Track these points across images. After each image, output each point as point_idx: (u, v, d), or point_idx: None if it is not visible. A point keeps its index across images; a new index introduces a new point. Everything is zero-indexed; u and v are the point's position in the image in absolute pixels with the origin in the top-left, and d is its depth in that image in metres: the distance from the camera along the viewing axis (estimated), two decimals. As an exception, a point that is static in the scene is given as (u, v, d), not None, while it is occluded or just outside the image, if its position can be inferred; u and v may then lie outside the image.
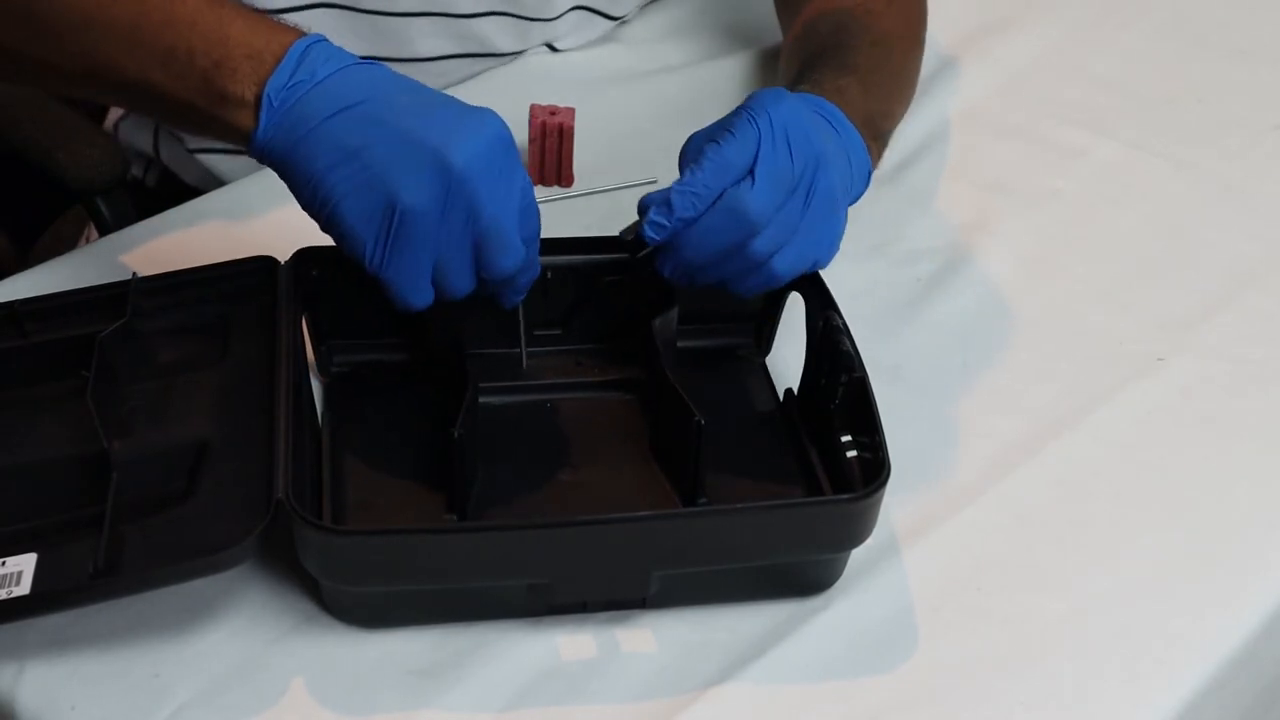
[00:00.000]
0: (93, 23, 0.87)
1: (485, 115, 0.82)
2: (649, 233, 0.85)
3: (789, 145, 0.84)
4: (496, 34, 1.23)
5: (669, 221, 0.85)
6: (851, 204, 0.91)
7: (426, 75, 1.20)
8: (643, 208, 0.86)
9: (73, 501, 0.82)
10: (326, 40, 0.85)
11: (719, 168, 0.84)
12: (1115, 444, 0.95)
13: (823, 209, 0.86)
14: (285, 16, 0.89)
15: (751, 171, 0.84)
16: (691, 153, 0.86)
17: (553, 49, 1.27)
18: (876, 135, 0.98)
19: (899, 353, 1.00)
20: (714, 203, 0.84)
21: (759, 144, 0.84)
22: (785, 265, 0.86)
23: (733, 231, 0.84)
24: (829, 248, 0.88)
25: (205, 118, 0.85)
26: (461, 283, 0.83)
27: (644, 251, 0.86)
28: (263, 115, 0.83)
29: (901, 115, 1.09)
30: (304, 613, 0.82)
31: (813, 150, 0.85)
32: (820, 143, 0.86)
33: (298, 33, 0.84)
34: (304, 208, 0.83)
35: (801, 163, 0.85)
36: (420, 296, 0.83)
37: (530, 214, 0.84)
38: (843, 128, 0.91)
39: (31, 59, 0.91)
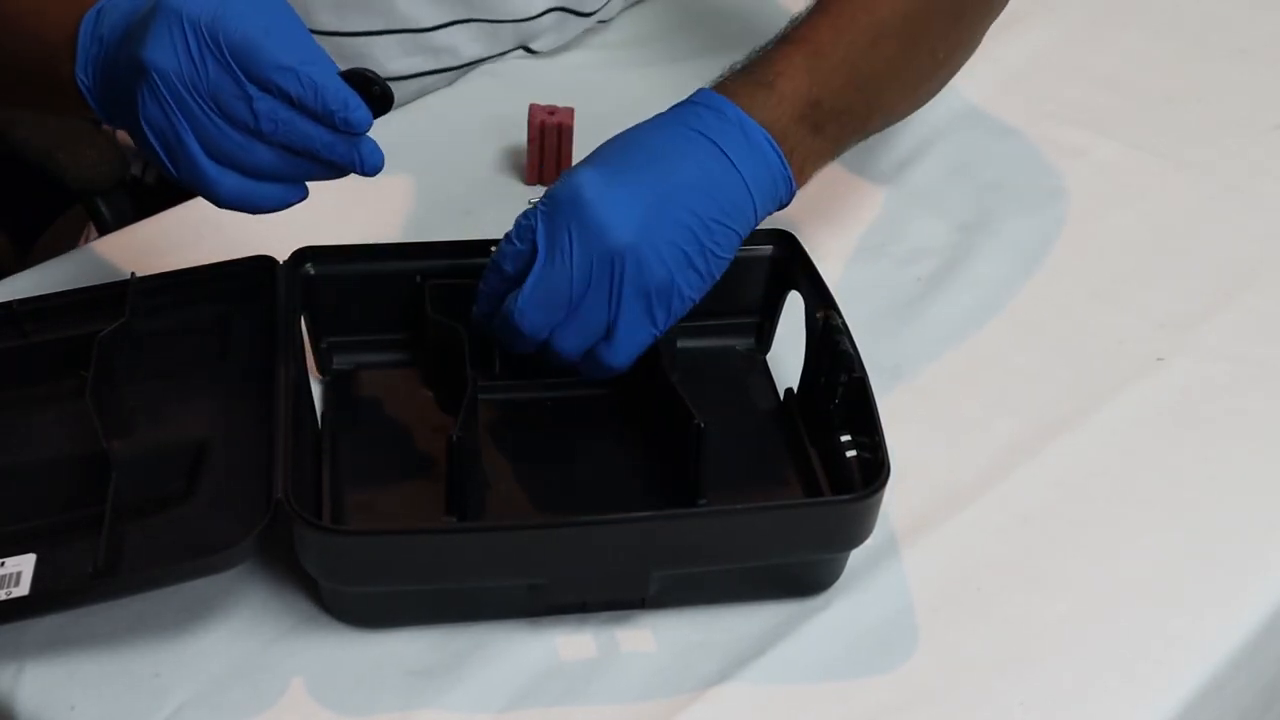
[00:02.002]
0: None
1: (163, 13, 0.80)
2: (473, 315, 0.88)
3: (571, 251, 0.82)
4: (464, 43, 1.22)
5: (476, 314, 0.87)
6: (761, 219, 0.89)
7: (403, 94, 1.20)
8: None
9: (72, 502, 0.82)
10: None
11: (497, 275, 0.85)
12: (1115, 444, 0.95)
13: (637, 302, 0.84)
14: None
15: (521, 283, 0.84)
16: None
17: (529, 50, 1.26)
18: (818, 126, 0.92)
19: (899, 352, 1.00)
20: (497, 305, 0.86)
21: (533, 251, 0.84)
22: (615, 358, 0.85)
23: (518, 336, 0.85)
24: (665, 323, 0.85)
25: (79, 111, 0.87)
26: (230, 144, 0.80)
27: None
28: (88, 98, 0.85)
29: (889, 99, 1.00)
30: (303, 613, 0.82)
31: (607, 248, 0.82)
32: (625, 235, 0.82)
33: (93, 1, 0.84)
34: None
35: (585, 271, 0.83)
36: (215, 183, 0.81)
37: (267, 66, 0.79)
38: (738, 146, 0.87)
39: None
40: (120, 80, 0.82)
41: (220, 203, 0.82)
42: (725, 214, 0.86)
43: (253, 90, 0.79)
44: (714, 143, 0.87)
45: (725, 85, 0.91)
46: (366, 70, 0.82)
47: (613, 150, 0.87)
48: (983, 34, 1.08)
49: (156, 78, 0.79)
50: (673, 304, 0.85)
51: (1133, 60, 1.32)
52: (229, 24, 0.79)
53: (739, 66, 0.94)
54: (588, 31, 1.30)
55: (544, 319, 0.84)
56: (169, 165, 0.81)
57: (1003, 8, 1.09)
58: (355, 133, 0.80)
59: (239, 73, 0.79)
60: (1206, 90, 1.29)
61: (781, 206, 0.91)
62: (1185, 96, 1.28)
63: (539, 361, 0.88)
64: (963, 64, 1.07)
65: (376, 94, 0.81)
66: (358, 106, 0.80)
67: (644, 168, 0.85)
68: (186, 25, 0.79)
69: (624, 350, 0.85)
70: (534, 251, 0.84)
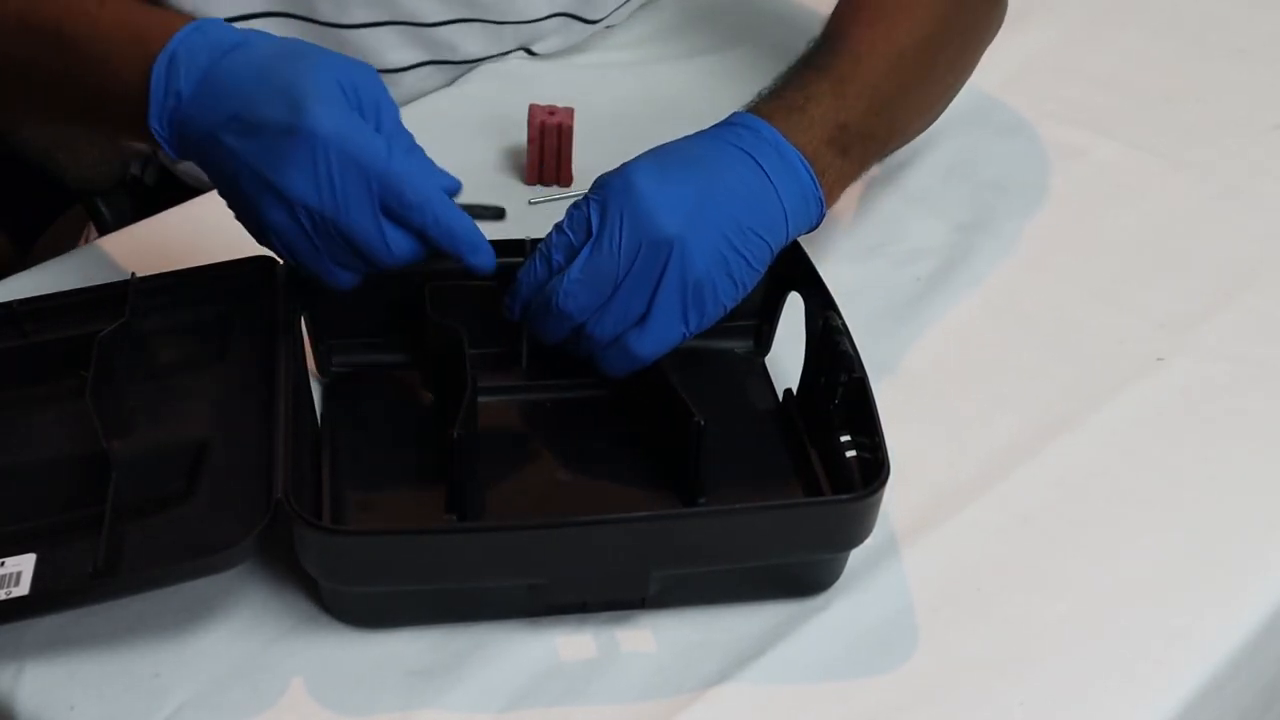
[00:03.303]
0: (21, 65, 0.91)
1: (298, 134, 0.80)
2: (504, 313, 0.88)
3: (620, 235, 0.84)
4: (466, 41, 1.22)
5: (514, 304, 0.88)
6: (792, 238, 0.90)
7: (401, 87, 1.20)
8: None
9: (72, 501, 0.82)
10: (194, 32, 0.84)
11: (544, 263, 0.86)
12: (1115, 444, 0.95)
13: (675, 293, 0.85)
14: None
15: (567, 267, 0.85)
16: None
17: (530, 53, 1.26)
18: (845, 149, 0.94)
19: (899, 353, 1.00)
20: (538, 293, 0.87)
21: (586, 229, 0.85)
22: (643, 347, 0.86)
23: (559, 318, 0.86)
24: (697, 324, 0.87)
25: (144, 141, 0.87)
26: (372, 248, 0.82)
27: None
28: (163, 144, 0.85)
29: (905, 121, 1.04)
30: (303, 613, 0.82)
31: (656, 235, 0.84)
32: (673, 225, 0.84)
33: (163, 40, 0.84)
34: None
35: (630, 255, 0.84)
36: (335, 278, 0.85)
37: (394, 183, 0.81)
38: (774, 164, 0.89)
39: None
40: (218, 157, 0.83)
41: (337, 289, 0.86)
42: (762, 225, 0.87)
43: (386, 226, 0.81)
44: (752, 158, 0.89)
45: (759, 108, 0.93)
46: (482, 205, 0.86)
47: (660, 153, 0.88)
48: (979, 59, 1.12)
49: (295, 203, 0.81)
50: (706, 305, 0.86)
51: (1132, 60, 1.32)
52: (372, 160, 0.80)
53: (767, 92, 0.96)
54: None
55: (588, 300, 0.85)
56: (289, 259, 0.84)
57: (995, 35, 1.13)
58: (478, 270, 0.84)
59: (378, 210, 0.81)
60: (1206, 90, 1.29)
61: (812, 228, 0.92)
62: (1185, 96, 1.28)
63: (565, 354, 0.88)
64: (962, 87, 1.11)
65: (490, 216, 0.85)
66: (486, 252, 0.83)
67: (691, 170, 0.87)
68: (334, 159, 0.80)
69: (653, 341, 0.86)
70: (585, 241, 0.85)
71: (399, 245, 0.82)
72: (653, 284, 0.84)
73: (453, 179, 0.84)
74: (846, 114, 0.94)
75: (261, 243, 0.85)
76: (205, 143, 0.83)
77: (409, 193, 0.81)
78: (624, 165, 0.86)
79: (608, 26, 1.30)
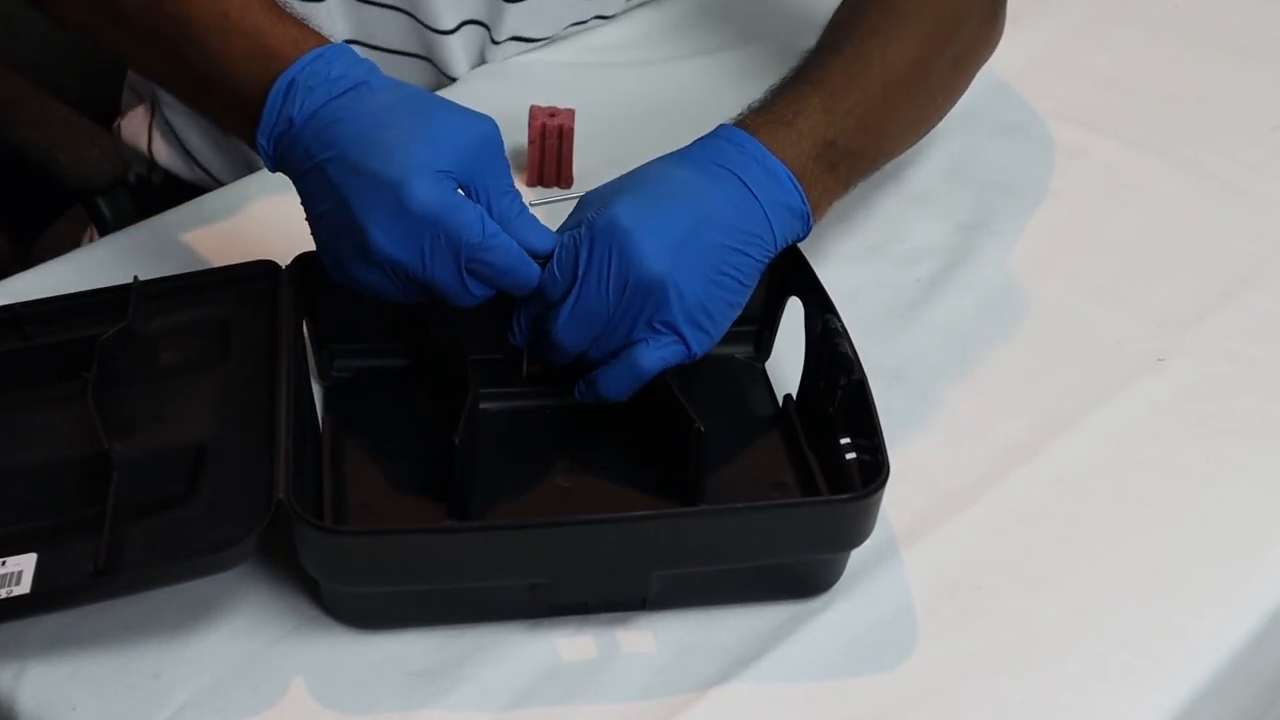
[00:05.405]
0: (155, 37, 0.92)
1: (409, 181, 0.82)
2: (509, 338, 0.90)
3: (609, 276, 0.84)
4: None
5: (519, 334, 0.89)
6: (780, 250, 0.90)
7: (452, 50, 1.20)
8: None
9: (74, 502, 0.82)
10: (317, 60, 0.86)
11: (539, 301, 0.87)
12: (1115, 444, 0.95)
13: (668, 326, 0.85)
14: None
15: (560, 301, 0.86)
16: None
17: (522, 40, 1.26)
18: (833, 165, 0.94)
19: (898, 354, 1.00)
20: (538, 324, 0.88)
21: (573, 269, 0.85)
22: (649, 361, 0.86)
23: (558, 351, 0.87)
24: (699, 344, 0.87)
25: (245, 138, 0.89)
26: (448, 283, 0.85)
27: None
28: (263, 157, 0.87)
29: (893, 140, 1.04)
30: (304, 614, 0.82)
31: (643, 275, 0.84)
32: (660, 263, 0.84)
33: (287, 60, 0.86)
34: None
35: (619, 292, 0.84)
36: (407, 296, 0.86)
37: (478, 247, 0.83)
38: (759, 180, 0.89)
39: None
40: (317, 186, 0.85)
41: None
42: (748, 245, 0.88)
43: (469, 280, 0.84)
44: (737, 176, 0.89)
45: (746, 122, 0.93)
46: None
47: (642, 181, 0.88)
48: (971, 81, 1.12)
49: (383, 258, 0.83)
50: (703, 327, 0.86)
51: (1132, 59, 1.32)
52: (468, 236, 0.82)
53: (757, 105, 0.96)
54: (588, 31, 1.30)
55: (583, 335, 0.86)
56: (364, 290, 0.86)
57: (990, 55, 1.13)
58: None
59: (462, 269, 0.83)
60: (1206, 90, 1.29)
61: (798, 240, 0.92)
62: (1185, 96, 1.28)
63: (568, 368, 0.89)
64: (951, 108, 1.11)
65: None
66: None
67: (675, 199, 0.87)
68: (425, 233, 0.82)
69: (654, 361, 0.86)
70: (573, 279, 0.85)
71: (479, 290, 0.85)
72: (647, 315, 0.85)
73: (549, 236, 0.86)
74: (835, 130, 0.94)
75: (334, 271, 0.86)
76: (307, 170, 0.85)
77: (498, 263, 0.83)
78: (608, 198, 0.86)
79: (601, 16, 1.29)
